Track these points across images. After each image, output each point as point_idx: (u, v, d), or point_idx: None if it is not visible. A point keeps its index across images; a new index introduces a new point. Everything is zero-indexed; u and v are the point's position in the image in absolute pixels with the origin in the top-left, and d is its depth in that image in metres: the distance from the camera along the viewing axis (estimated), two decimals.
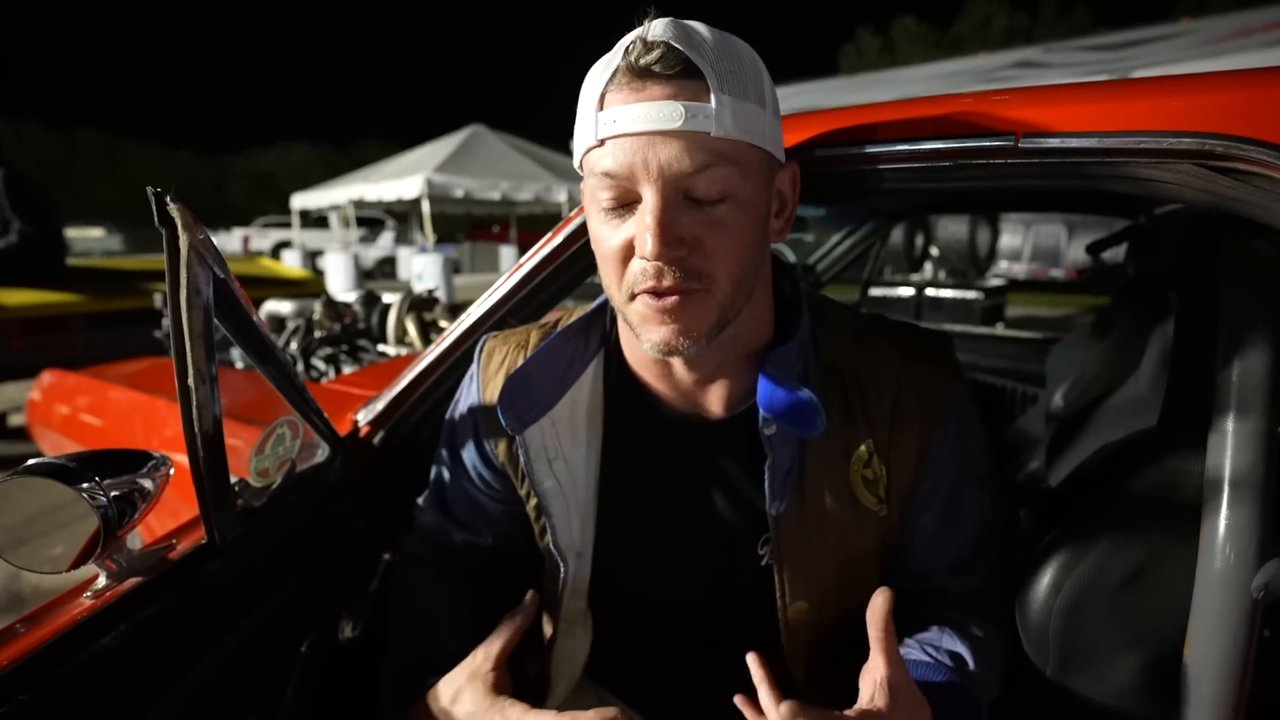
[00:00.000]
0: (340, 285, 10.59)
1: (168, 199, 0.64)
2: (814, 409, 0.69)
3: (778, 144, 0.68)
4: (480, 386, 0.87)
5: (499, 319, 1.06)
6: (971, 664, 0.73)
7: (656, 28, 0.61)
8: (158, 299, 3.99)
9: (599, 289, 0.75)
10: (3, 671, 0.60)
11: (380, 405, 1.17)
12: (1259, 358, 0.66)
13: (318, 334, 2.79)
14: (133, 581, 0.73)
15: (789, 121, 0.84)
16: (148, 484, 0.72)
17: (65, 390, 2.27)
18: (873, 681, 0.64)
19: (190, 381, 0.70)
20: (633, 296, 0.65)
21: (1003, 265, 10.36)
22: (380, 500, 1.12)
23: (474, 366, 0.89)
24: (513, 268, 1.05)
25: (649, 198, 0.61)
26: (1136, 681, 0.74)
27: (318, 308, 2.83)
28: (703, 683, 0.82)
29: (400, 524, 1.12)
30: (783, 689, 0.68)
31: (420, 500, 0.99)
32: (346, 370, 2.62)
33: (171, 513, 1.34)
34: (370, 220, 17.59)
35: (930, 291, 6.34)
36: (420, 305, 2.85)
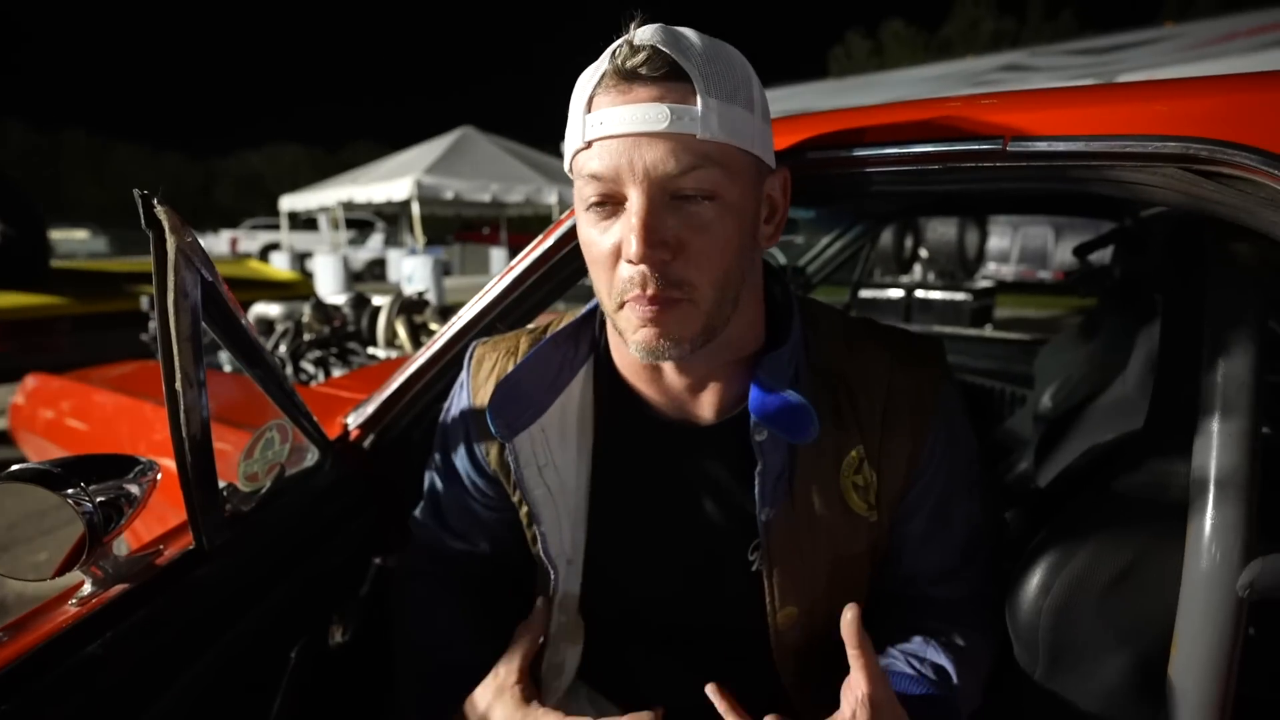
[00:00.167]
0: (329, 288, 10.53)
1: (155, 201, 0.63)
2: (808, 416, 0.69)
3: (767, 149, 0.68)
4: (470, 393, 0.87)
5: (490, 322, 1.06)
6: (954, 677, 0.73)
7: (644, 32, 0.61)
8: (144, 302, 3.96)
9: (591, 292, 0.75)
10: None
11: (370, 409, 1.16)
12: (1243, 359, 0.67)
13: (307, 337, 2.77)
14: (119, 588, 0.72)
15: (779, 124, 0.84)
16: (134, 489, 0.72)
17: (49, 394, 2.24)
18: (854, 698, 0.64)
19: (177, 385, 0.70)
20: (622, 304, 0.65)
21: (991, 267, 10.43)
22: (371, 504, 1.12)
23: (464, 373, 0.89)
24: (503, 270, 1.05)
25: (634, 199, 0.61)
26: (1125, 680, 0.74)
27: (307, 310, 2.82)
28: (694, 686, 0.82)
29: (391, 528, 1.11)
30: (770, 693, 0.69)
31: (416, 512, 0.98)
32: (336, 373, 2.61)
33: (158, 518, 1.33)
34: (360, 222, 17.51)
35: (919, 293, 6.39)
36: (410, 308, 2.84)
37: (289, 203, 13.96)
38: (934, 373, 0.77)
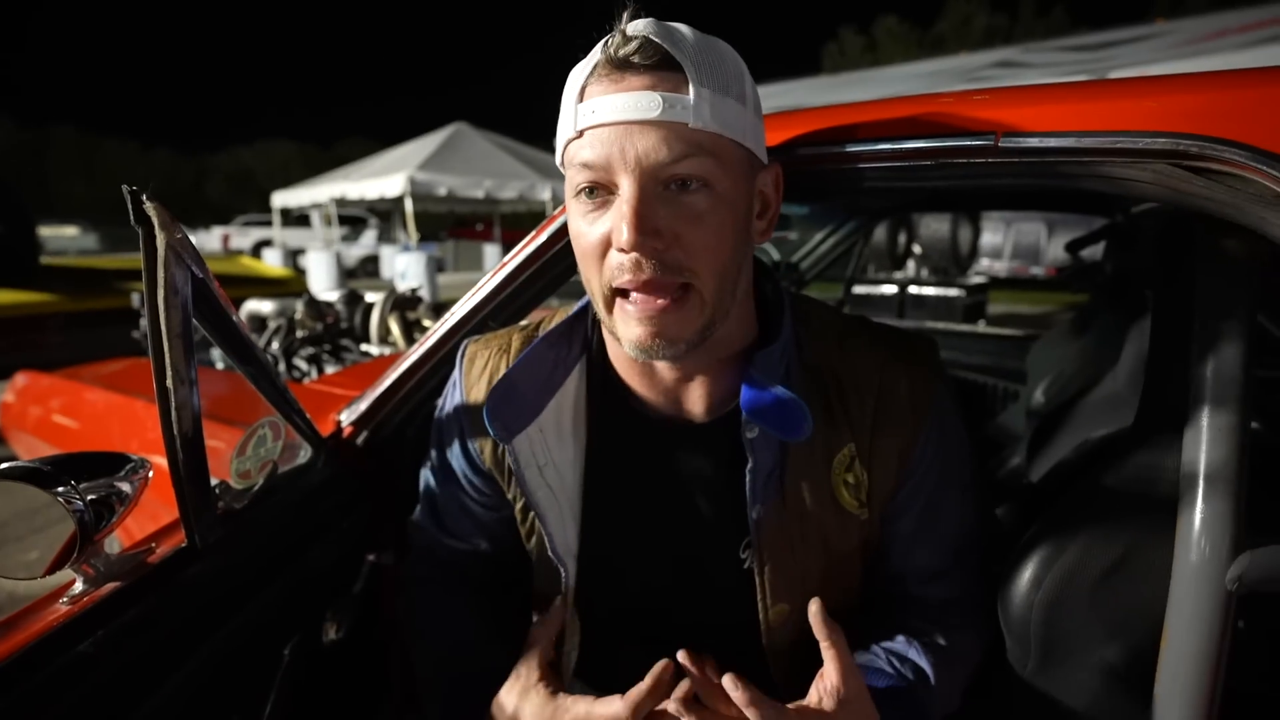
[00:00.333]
0: (322, 284, 10.49)
1: (144, 197, 0.63)
2: (801, 414, 0.69)
3: (759, 144, 0.68)
4: (463, 391, 0.87)
5: (483, 318, 1.06)
6: (932, 679, 0.74)
7: (637, 23, 0.61)
8: (135, 299, 3.93)
9: (583, 288, 0.75)
10: None
11: (363, 405, 1.16)
12: (1232, 354, 0.67)
13: (300, 334, 2.76)
14: (110, 586, 0.72)
15: (772, 120, 0.84)
16: (125, 487, 0.71)
17: (39, 392, 2.22)
18: (823, 687, 0.67)
19: (169, 382, 0.69)
20: (613, 296, 0.65)
21: (984, 263, 10.46)
22: (364, 501, 1.11)
23: (456, 372, 0.89)
24: (496, 266, 1.05)
25: (626, 188, 0.61)
26: (1115, 673, 0.75)
27: (299, 307, 2.80)
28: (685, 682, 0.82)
29: (385, 525, 1.11)
30: (762, 689, 0.69)
31: (414, 515, 0.98)
32: (329, 370, 2.60)
33: (151, 516, 1.32)
34: (352, 219, 17.42)
35: (913, 289, 6.39)
36: (403, 304, 2.83)
37: (281, 199, 13.88)
38: (926, 372, 0.77)
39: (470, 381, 0.86)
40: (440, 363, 1.08)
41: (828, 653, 0.67)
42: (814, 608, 0.68)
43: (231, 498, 0.89)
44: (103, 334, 4.11)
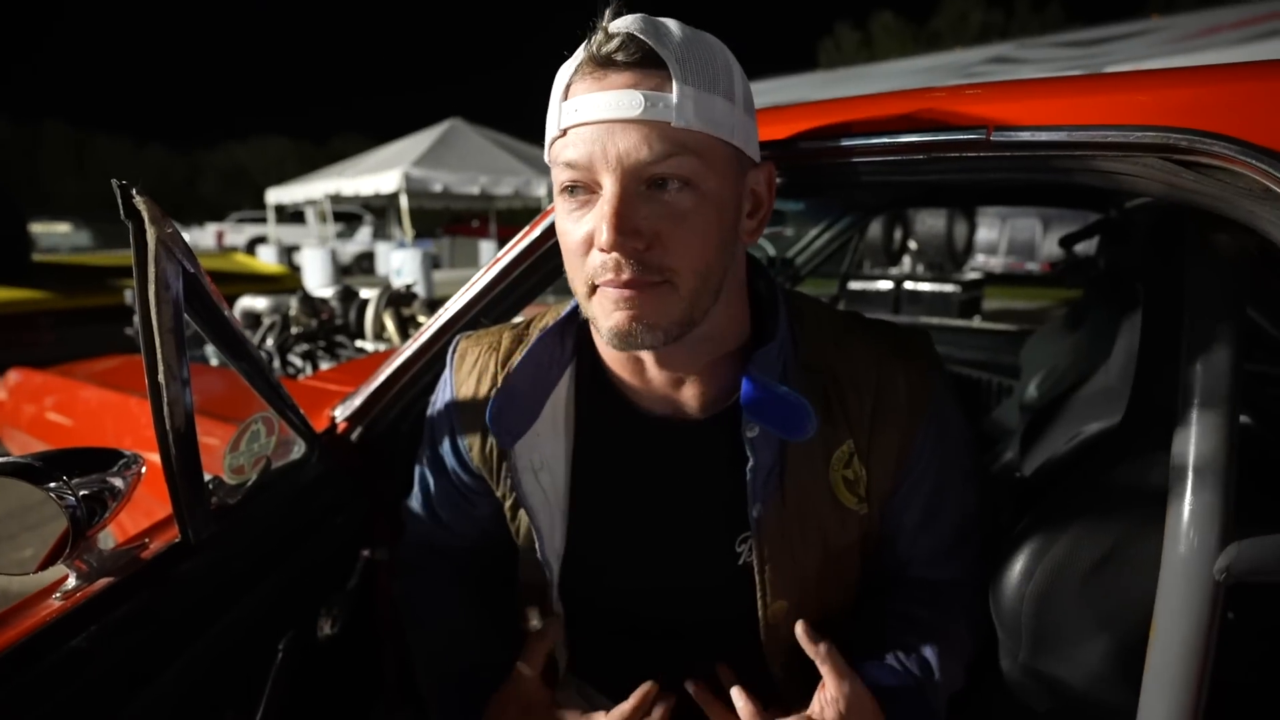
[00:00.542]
0: (317, 281, 10.45)
1: (134, 191, 0.63)
2: (805, 413, 0.68)
3: (750, 141, 0.66)
4: (453, 388, 0.87)
5: (476, 314, 1.06)
6: (936, 671, 0.75)
7: (622, 20, 0.61)
8: (128, 296, 3.92)
9: None
10: None
11: (358, 401, 1.16)
12: (1222, 348, 0.68)
13: (294, 330, 2.75)
14: (104, 582, 0.72)
15: (764, 115, 0.84)
16: (118, 483, 0.71)
17: (33, 389, 2.21)
18: (823, 698, 0.69)
19: (161, 378, 0.69)
20: (593, 289, 0.65)
21: (979, 259, 10.48)
22: (359, 496, 1.11)
23: (447, 369, 0.89)
24: (489, 262, 1.05)
25: (607, 187, 0.60)
26: (1105, 663, 0.75)
27: (294, 304, 2.80)
28: (683, 679, 0.83)
29: (380, 520, 1.11)
30: (761, 686, 0.70)
31: (409, 502, 0.98)
32: (324, 366, 2.60)
33: (146, 512, 1.32)
34: (347, 215, 17.37)
35: (908, 285, 6.41)
36: (398, 300, 2.83)
37: (275, 196, 13.83)
38: (923, 366, 0.77)
39: (460, 379, 0.86)
40: (434, 359, 1.08)
41: (823, 667, 0.69)
42: (799, 629, 0.70)
43: (225, 493, 0.89)
44: (96, 331, 4.09)
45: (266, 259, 12.19)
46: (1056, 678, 0.78)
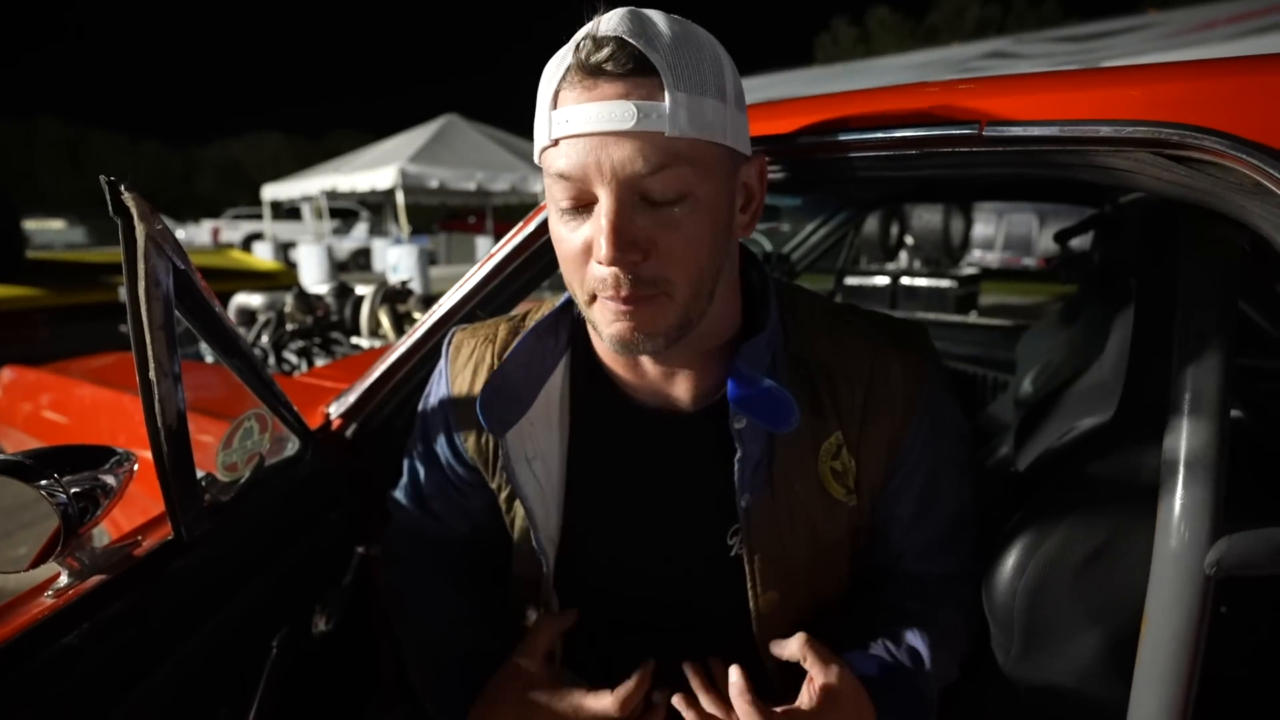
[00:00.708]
0: (313, 277, 10.43)
1: (122, 188, 0.62)
2: (788, 406, 0.69)
3: (741, 137, 0.66)
4: (449, 380, 0.87)
5: (471, 309, 1.06)
6: (928, 662, 0.75)
7: (610, 20, 0.59)
8: (122, 292, 3.90)
9: None
10: None
11: (352, 398, 1.16)
12: (1213, 342, 0.68)
13: (289, 327, 2.75)
14: (96, 579, 0.72)
15: (761, 110, 0.84)
16: (110, 480, 0.71)
17: (27, 387, 2.21)
18: (811, 689, 0.69)
19: (151, 375, 0.69)
20: (593, 298, 0.65)
21: (976, 254, 10.49)
22: (353, 493, 1.11)
23: (443, 361, 0.89)
24: (484, 258, 1.05)
25: (603, 200, 0.60)
26: (1097, 658, 0.76)
27: (289, 300, 2.79)
28: (676, 671, 0.83)
29: (374, 516, 1.11)
30: (754, 677, 0.70)
31: (395, 494, 0.98)
32: (319, 363, 2.59)
33: (142, 510, 1.32)
34: (344, 211, 17.33)
35: (905, 280, 6.41)
36: (394, 297, 2.82)
37: (271, 192, 13.78)
38: (918, 358, 0.77)
39: (455, 370, 0.86)
40: (429, 354, 1.08)
41: (804, 661, 0.70)
42: (773, 648, 0.71)
43: (218, 490, 0.89)
44: (90, 328, 4.08)
45: (263, 256, 12.16)
46: (1049, 671, 0.78)
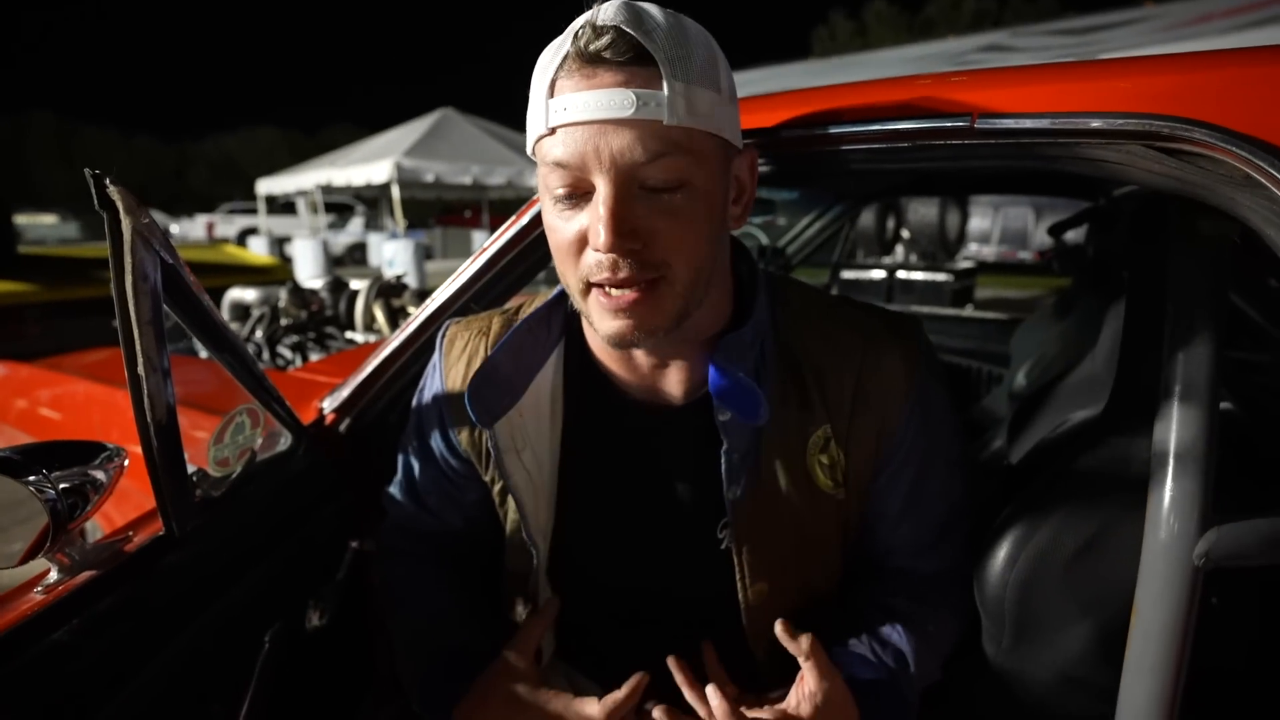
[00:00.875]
0: (309, 272, 10.38)
1: (107, 181, 0.62)
2: (755, 398, 0.69)
3: (734, 130, 0.66)
4: (443, 373, 0.87)
5: (465, 303, 1.05)
6: (912, 664, 0.75)
7: (607, 11, 0.59)
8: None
9: None
10: None
11: (345, 392, 1.15)
12: (1204, 335, 0.68)
13: (284, 322, 2.74)
14: (86, 575, 0.71)
15: (753, 103, 0.83)
16: (100, 475, 0.71)
17: (19, 383, 2.19)
18: (800, 692, 0.69)
19: (140, 370, 0.69)
20: (588, 287, 0.65)
21: (972, 248, 10.50)
22: (347, 488, 1.11)
23: (436, 354, 0.89)
24: (477, 252, 1.04)
25: (602, 188, 0.60)
26: (1087, 649, 0.76)
27: (283, 295, 2.78)
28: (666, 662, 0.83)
29: (368, 511, 1.11)
30: (743, 669, 0.70)
31: (391, 488, 0.98)
32: (314, 358, 2.58)
33: (136, 506, 1.31)
34: (339, 206, 17.25)
35: (901, 274, 6.41)
36: (388, 291, 2.82)
37: (266, 186, 13.70)
38: (909, 350, 0.77)
39: (449, 363, 0.86)
40: (422, 349, 1.08)
41: (805, 663, 0.69)
42: (779, 628, 0.70)
43: (209, 485, 0.88)
44: (83, 323, 4.06)
45: (258, 250, 12.11)
46: (1039, 663, 0.78)
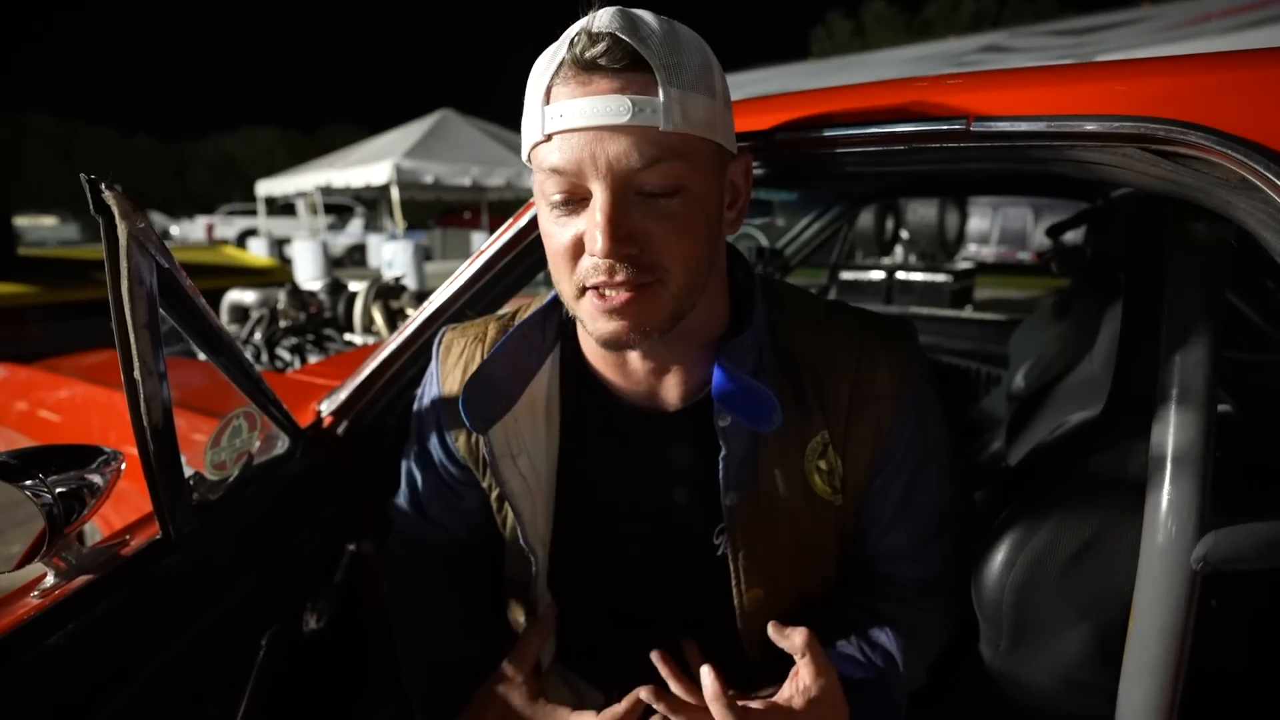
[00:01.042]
0: (308, 274, 10.38)
1: (102, 185, 0.62)
2: (770, 405, 0.69)
3: (729, 135, 0.67)
4: (439, 380, 0.87)
5: (462, 305, 1.05)
6: (901, 665, 0.76)
7: (602, 18, 0.59)
8: None
9: None
10: None
11: (343, 395, 1.15)
12: (1201, 337, 0.68)
13: (282, 323, 2.74)
14: (83, 579, 0.71)
15: (748, 106, 0.83)
16: (97, 479, 0.71)
17: (18, 385, 2.19)
18: (794, 686, 0.69)
19: (136, 374, 0.68)
20: (582, 292, 0.65)
21: (971, 248, 10.50)
22: (344, 490, 1.11)
23: (433, 361, 0.89)
24: (474, 254, 1.04)
25: (598, 194, 0.60)
26: (1085, 652, 0.76)
27: (282, 297, 2.78)
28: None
29: (366, 514, 1.11)
30: (738, 672, 0.70)
31: (396, 498, 0.98)
32: (313, 360, 2.58)
33: (135, 509, 1.31)
34: (339, 207, 17.25)
35: (900, 275, 6.41)
36: (387, 293, 2.81)
37: (266, 188, 13.70)
38: (903, 356, 0.77)
39: (446, 370, 0.86)
40: (419, 351, 1.08)
41: (801, 659, 0.69)
42: (771, 630, 0.71)
43: (206, 489, 0.88)
44: (82, 325, 4.06)
45: (257, 252, 12.11)
46: (1037, 666, 0.78)
